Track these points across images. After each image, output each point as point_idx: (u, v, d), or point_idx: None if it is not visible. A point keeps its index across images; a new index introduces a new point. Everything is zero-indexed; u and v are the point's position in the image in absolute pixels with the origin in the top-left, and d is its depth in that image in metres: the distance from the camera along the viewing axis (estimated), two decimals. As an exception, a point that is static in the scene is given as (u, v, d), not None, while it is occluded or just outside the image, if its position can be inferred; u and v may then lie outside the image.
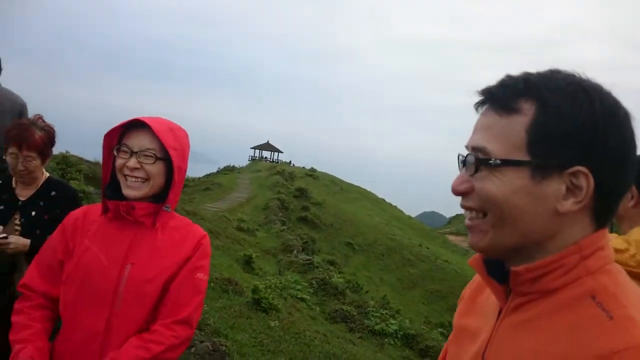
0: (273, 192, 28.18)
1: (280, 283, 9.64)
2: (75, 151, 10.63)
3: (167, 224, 1.78)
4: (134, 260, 1.70)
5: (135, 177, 1.68)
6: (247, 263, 10.80)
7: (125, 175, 1.69)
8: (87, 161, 10.33)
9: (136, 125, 1.69)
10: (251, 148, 67.57)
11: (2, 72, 3.79)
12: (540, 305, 0.83)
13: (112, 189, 1.77)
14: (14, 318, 1.74)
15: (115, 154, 1.71)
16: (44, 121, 2.67)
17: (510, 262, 0.87)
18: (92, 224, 1.78)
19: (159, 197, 1.75)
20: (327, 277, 12.82)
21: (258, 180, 33.97)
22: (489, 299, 0.96)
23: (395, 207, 43.02)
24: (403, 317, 12.48)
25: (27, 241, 2.51)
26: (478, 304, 1.01)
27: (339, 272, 15.96)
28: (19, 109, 3.71)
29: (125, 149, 1.68)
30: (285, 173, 37.77)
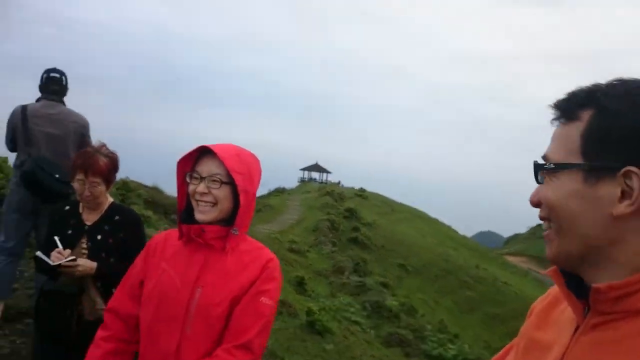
0: (323, 213, 28.18)
1: (333, 305, 9.55)
2: (135, 177, 11.10)
3: (238, 247, 1.81)
4: (204, 283, 1.74)
5: (205, 201, 1.75)
6: (300, 284, 10.79)
7: (196, 200, 1.77)
8: (146, 186, 10.77)
9: (206, 152, 1.77)
10: (300, 169, 68.20)
11: (68, 92, 4.01)
12: (625, 326, 0.78)
13: (187, 213, 1.83)
14: (90, 350, 1.85)
15: (188, 180, 1.79)
16: (108, 148, 2.79)
17: (584, 275, 0.85)
18: (171, 247, 1.86)
19: (230, 221, 1.80)
20: (381, 300, 12.60)
21: (308, 201, 34.14)
22: (564, 313, 0.93)
23: (449, 227, 41.95)
24: (462, 341, 12.03)
25: (94, 264, 2.60)
26: (552, 317, 0.98)
27: (393, 295, 15.66)
28: (81, 130, 3.90)
29: (196, 175, 1.76)
30: (334, 194, 37.76)
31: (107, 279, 2.67)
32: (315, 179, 66.54)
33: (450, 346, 10.08)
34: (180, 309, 1.71)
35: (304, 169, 67.93)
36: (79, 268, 2.56)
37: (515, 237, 53.21)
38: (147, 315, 1.79)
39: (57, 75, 3.90)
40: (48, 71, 3.89)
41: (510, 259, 38.47)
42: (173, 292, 1.74)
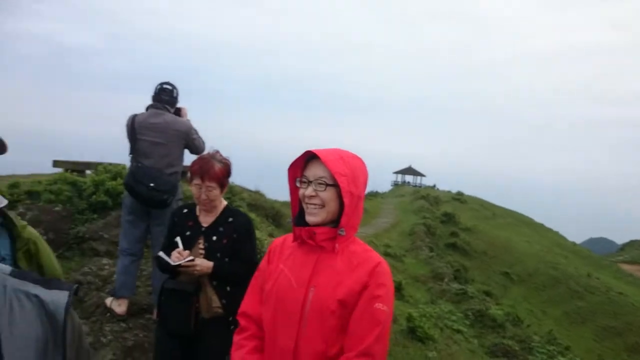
0: (418, 217, 27.59)
1: (435, 312, 9.28)
2: (238, 181, 11.62)
3: (347, 248, 1.84)
4: (316, 283, 1.78)
5: (313, 204, 1.81)
6: (397, 290, 10.61)
7: (306, 203, 1.83)
8: (249, 190, 11.26)
9: (313, 156, 1.83)
10: (393, 173, 67.52)
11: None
12: None
13: (300, 216, 1.90)
14: (234, 350, 1.94)
15: (298, 185, 1.86)
16: (221, 155, 2.93)
17: None
18: (287, 249, 1.94)
19: (339, 222, 1.83)
20: (484, 309, 12.03)
21: (402, 205, 33.64)
22: None
23: (557, 232, 39.11)
24: (573, 354, 11.12)
25: (211, 264, 2.74)
26: None
27: (496, 304, 14.89)
28: (184, 136, 4.12)
29: (304, 179, 1.84)
30: (430, 197, 36.86)
31: (222, 278, 2.80)
32: (409, 182, 65.50)
33: (561, 358, 9.36)
34: (296, 308, 1.77)
35: (397, 172, 67.20)
36: (197, 268, 2.70)
37: (632, 244, 48.20)
38: (267, 315, 1.86)
39: (169, 87, 4.20)
40: (161, 83, 4.19)
41: (626, 267, 34.88)
42: (289, 292, 1.80)
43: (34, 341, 0.85)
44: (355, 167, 1.84)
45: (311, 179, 1.81)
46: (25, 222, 2.36)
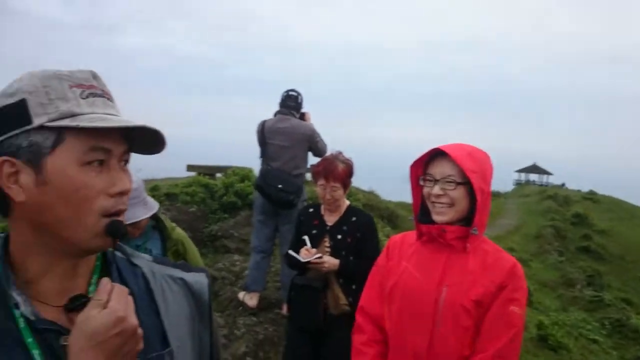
0: (545, 219, 25.66)
1: (567, 320, 8.59)
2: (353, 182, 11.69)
3: (479, 247, 1.79)
4: (449, 282, 1.74)
5: (441, 203, 1.76)
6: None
7: (432, 202, 1.79)
8: (363, 191, 11.36)
9: (437, 154, 1.78)
10: (515, 171, 63.56)
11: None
12: None
13: (424, 214, 1.87)
14: (355, 357, 1.95)
15: (422, 183, 1.83)
16: (344, 156, 3.02)
17: None
18: (410, 247, 1.91)
19: (467, 221, 1.78)
20: (624, 318, 10.88)
21: (526, 205, 31.52)
22: None
23: None
24: None
25: (337, 261, 2.83)
26: None
27: (637, 313, 13.36)
28: (308, 139, 4.31)
29: (429, 177, 1.79)
30: (558, 197, 34.08)
31: (348, 276, 2.87)
32: (533, 181, 61.21)
33: None
34: (428, 308, 1.73)
35: (519, 171, 63.26)
36: (325, 265, 2.81)
37: None
38: (392, 314, 1.84)
39: (294, 93, 4.44)
40: (287, 90, 4.45)
41: None
42: (417, 291, 1.77)
43: (185, 319, 0.94)
44: (484, 162, 1.78)
45: (437, 177, 1.76)
46: (174, 224, 2.62)
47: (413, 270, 1.82)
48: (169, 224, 2.54)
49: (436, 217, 1.78)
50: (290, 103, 4.39)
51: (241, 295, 4.52)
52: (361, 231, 2.93)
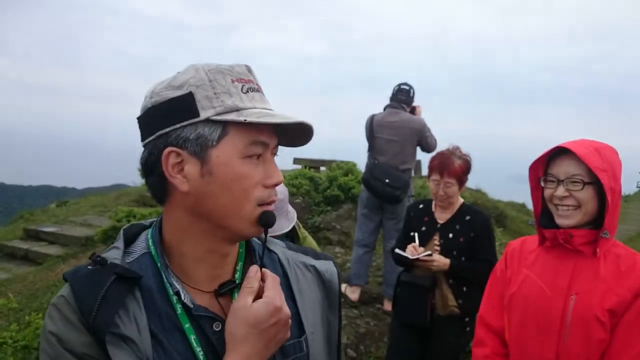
0: (678, 227, 22.86)
1: None
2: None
3: (610, 252, 1.63)
4: (577, 290, 1.60)
5: (566, 205, 1.63)
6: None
7: (555, 205, 1.66)
8: (470, 188, 10.85)
9: (559, 152, 1.64)
10: (641, 173, 57.36)
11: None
12: None
13: (546, 217, 1.72)
14: None
15: (542, 184, 1.69)
16: (462, 151, 2.86)
17: None
18: (530, 253, 1.78)
19: (595, 223, 1.63)
20: None
21: (652, 211, 28.27)
22: None
23: None
24: None
25: (447, 261, 2.71)
26: None
27: None
28: (417, 133, 4.23)
29: (551, 178, 1.65)
30: (695, 204, 30.12)
31: (459, 278, 2.74)
32: (663, 184, 54.80)
33: None
34: (554, 318, 1.61)
35: (646, 173, 57.00)
36: (435, 263, 2.70)
37: None
38: (513, 324, 1.73)
39: (406, 87, 4.37)
40: (399, 84, 4.38)
41: None
42: (541, 300, 1.65)
43: (317, 304, 0.98)
44: (613, 159, 1.60)
45: (561, 177, 1.61)
46: (306, 234, 2.61)
47: (535, 278, 1.69)
48: (302, 233, 2.52)
49: (561, 221, 1.63)
50: (402, 97, 4.33)
51: (343, 287, 4.54)
52: (476, 232, 2.78)
